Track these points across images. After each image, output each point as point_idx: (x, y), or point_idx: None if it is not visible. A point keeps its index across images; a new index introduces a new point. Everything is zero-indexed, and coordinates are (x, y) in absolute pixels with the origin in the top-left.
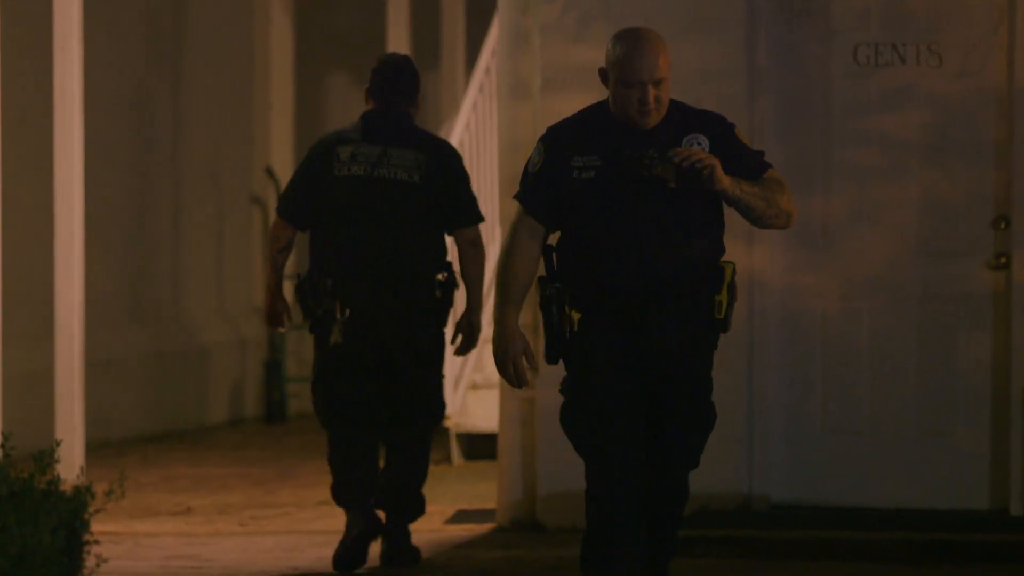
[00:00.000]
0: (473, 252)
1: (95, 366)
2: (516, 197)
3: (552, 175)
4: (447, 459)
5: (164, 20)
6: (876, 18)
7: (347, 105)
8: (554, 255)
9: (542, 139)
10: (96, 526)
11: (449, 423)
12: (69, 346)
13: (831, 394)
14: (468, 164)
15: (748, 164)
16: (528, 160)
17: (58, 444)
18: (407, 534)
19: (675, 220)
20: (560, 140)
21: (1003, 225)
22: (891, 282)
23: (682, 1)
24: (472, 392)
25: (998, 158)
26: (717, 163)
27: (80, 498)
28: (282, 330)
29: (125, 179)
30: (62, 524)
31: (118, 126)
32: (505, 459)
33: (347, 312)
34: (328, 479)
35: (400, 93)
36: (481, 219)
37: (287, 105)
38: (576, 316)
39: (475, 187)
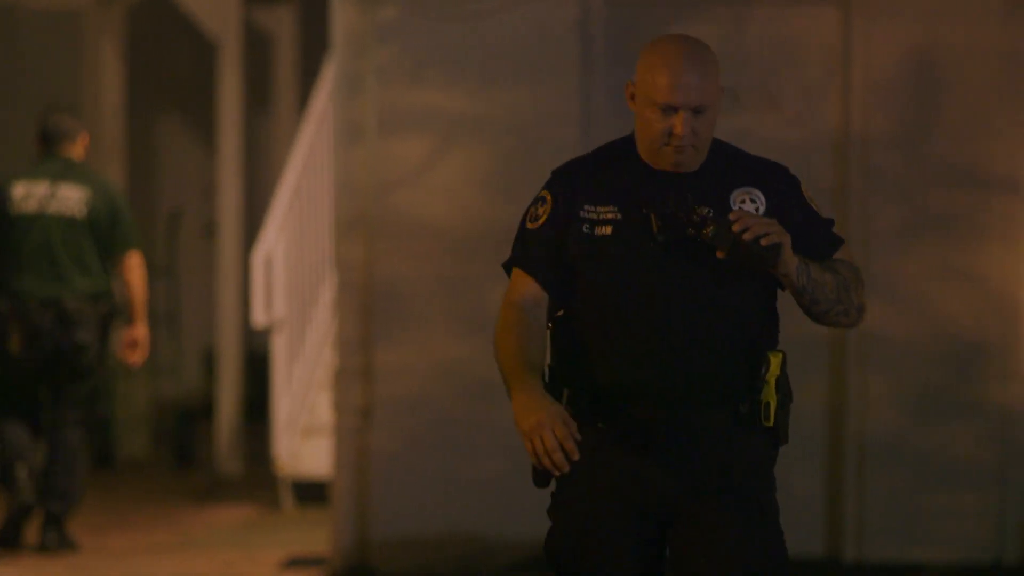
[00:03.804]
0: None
1: None
2: (507, 263)
3: (559, 230)
4: (278, 505)
5: None
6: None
7: (179, 147)
8: (553, 340)
9: (548, 184)
10: None
11: (281, 470)
12: None
13: None
14: (305, 208)
15: (815, 237)
16: (525, 213)
17: None
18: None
19: (714, 297)
20: (570, 184)
21: None
22: None
23: (516, 46)
24: (304, 437)
25: (834, 204)
26: (787, 240)
27: None
28: None
29: None
30: None
31: None
32: (338, 505)
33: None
34: (162, 522)
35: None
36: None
37: (117, 147)
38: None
39: (313, 232)
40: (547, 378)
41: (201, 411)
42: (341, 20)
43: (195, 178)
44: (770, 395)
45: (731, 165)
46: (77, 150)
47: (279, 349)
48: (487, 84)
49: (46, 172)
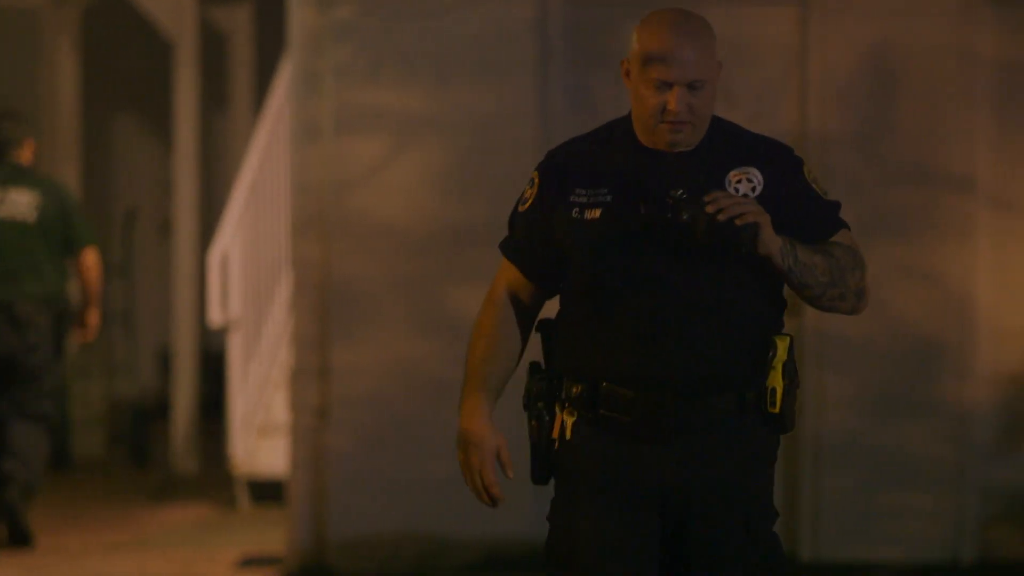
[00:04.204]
0: None
1: None
2: (500, 246)
3: (546, 214)
4: (233, 505)
5: None
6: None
7: (134, 145)
8: (546, 332)
9: (538, 166)
10: None
11: (236, 469)
12: None
13: None
14: (261, 207)
15: (815, 219)
16: (519, 197)
17: None
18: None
19: (716, 279)
20: (560, 166)
21: None
22: None
23: (474, 43)
24: (260, 437)
25: None
26: (765, 220)
27: None
28: None
29: None
30: None
31: None
32: (294, 504)
33: None
34: (118, 522)
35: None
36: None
37: (73, 146)
38: (570, 421)
39: (269, 231)
40: (544, 369)
41: (157, 410)
42: (298, 19)
43: (151, 176)
44: (776, 381)
45: (729, 143)
46: (25, 155)
47: (235, 348)
48: (444, 83)
49: None
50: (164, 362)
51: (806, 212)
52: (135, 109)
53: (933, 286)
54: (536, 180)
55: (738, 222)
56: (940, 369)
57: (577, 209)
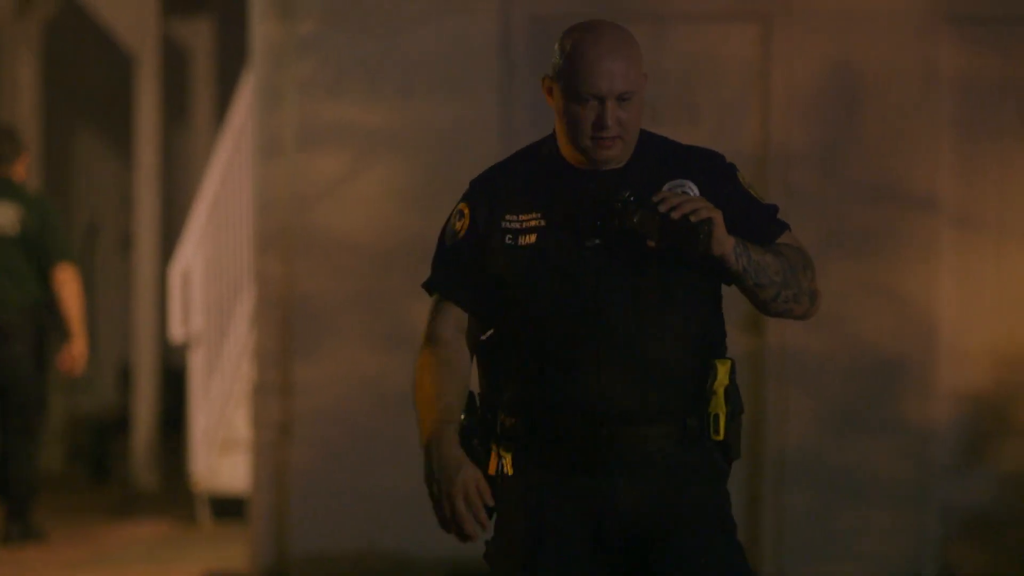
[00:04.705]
0: None
1: None
2: (426, 284)
3: (477, 244)
4: (194, 521)
5: None
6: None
7: (95, 159)
8: (482, 353)
9: (465, 195)
10: None
11: (197, 485)
12: None
13: None
14: (222, 223)
15: (756, 223)
16: (443, 228)
17: None
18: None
19: (655, 303)
20: (489, 193)
21: None
22: None
23: (437, 59)
24: (221, 453)
25: None
26: (718, 217)
27: None
28: None
29: None
30: None
31: None
32: (256, 520)
33: None
34: (79, 538)
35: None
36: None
37: (33, 160)
38: (507, 456)
39: (230, 246)
40: (478, 403)
41: (117, 425)
42: (260, 33)
43: (112, 191)
44: (719, 407)
45: (659, 157)
46: (17, 170)
47: (196, 363)
48: (407, 98)
49: None
50: (124, 377)
51: (746, 217)
52: (96, 123)
53: (895, 304)
54: (466, 211)
55: (692, 219)
56: (902, 387)
57: (510, 236)
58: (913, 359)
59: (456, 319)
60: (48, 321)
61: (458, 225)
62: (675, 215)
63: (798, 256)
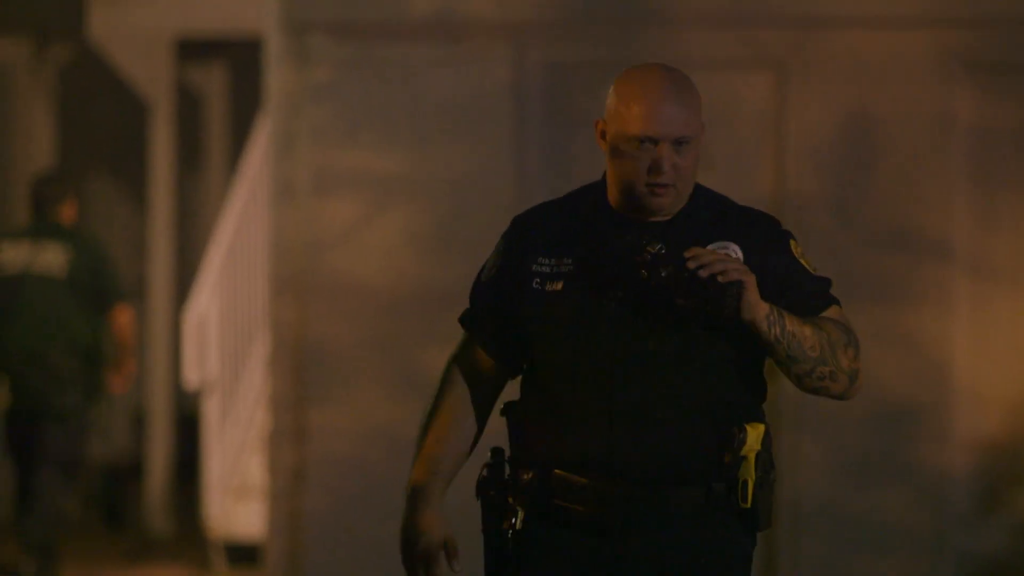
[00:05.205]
0: None
1: None
2: (461, 317)
3: (509, 285)
4: (209, 568)
5: None
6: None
7: (109, 205)
8: (511, 416)
9: (505, 232)
10: None
11: (212, 531)
12: None
13: None
14: (237, 269)
15: (802, 294)
16: (483, 265)
17: None
18: None
19: (670, 364)
20: (525, 233)
21: None
22: None
23: (452, 105)
24: (236, 499)
25: None
26: (751, 281)
27: None
28: None
29: None
30: None
31: None
32: (271, 567)
33: None
34: None
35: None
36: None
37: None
38: (521, 511)
39: (245, 291)
40: (506, 458)
41: (131, 472)
42: (276, 80)
43: (126, 237)
44: (748, 473)
45: (710, 213)
46: (66, 213)
47: (211, 409)
48: (421, 144)
49: (29, 234)
50: (139, 423)
51: (792, 287)
52: (110, 169)
53: (911, 351)
54: (501, 248)
55: (721, 279)
56: (917, 434)
57: (538, 280)
58: (928, 406)
59: (475, 359)
60: (97, 362)
61: (491, 262)
62: (703, 273)
63: (840, 333)
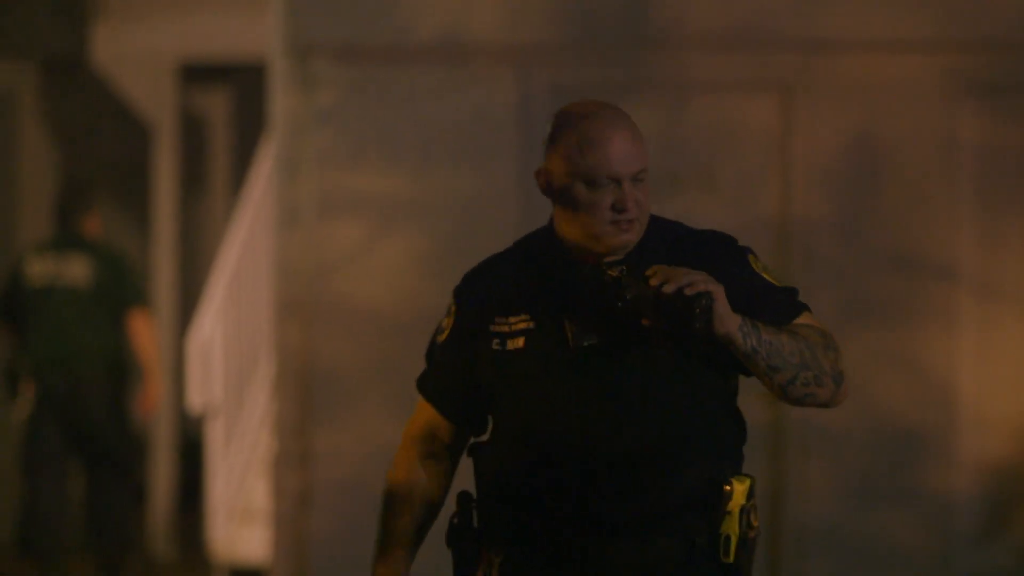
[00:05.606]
0: None
1: None
2: (417, 383)
3: (465, 346)
4: None
5: None
6: (653, 145)
7: (112, 229)
8: (477, 457)
9: (456, 289)
10: None
11: (216, 556)
12: None
13: None
14: (241, 293)
15: (770, 306)
16: (436, 327)
17: None
18: None
19: (657, 409)
20: (478, 292)
21: None
22: None
23: (457, 128)
24: (240, 523)
25: None
26: (719, 291)
27: None
28: None
29: None
30: None
31: None
32: None
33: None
34: None
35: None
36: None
37: (49, 229)
38: (496, 561)
39: (249, 315)
40: (470, 501)
41: (135, 496)
42: (280, 104)
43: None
44: (732, 528)
45: (665, 243)
46: (90, 223)
47: (215, 433)
48: (426, 167)
49: (53, 246)
50: (142, 447)
51: (759, 300)
52: (114, 193)
53: (916, 373)
54: (452, 309)
55: (688, 291)
56: (923, 457)
57: (498, 340)
58: (934, 429)
59: (433, 424)
60: (125, 371)
61: (445, 323)
62: (668, 288)
63: (818, 336)
